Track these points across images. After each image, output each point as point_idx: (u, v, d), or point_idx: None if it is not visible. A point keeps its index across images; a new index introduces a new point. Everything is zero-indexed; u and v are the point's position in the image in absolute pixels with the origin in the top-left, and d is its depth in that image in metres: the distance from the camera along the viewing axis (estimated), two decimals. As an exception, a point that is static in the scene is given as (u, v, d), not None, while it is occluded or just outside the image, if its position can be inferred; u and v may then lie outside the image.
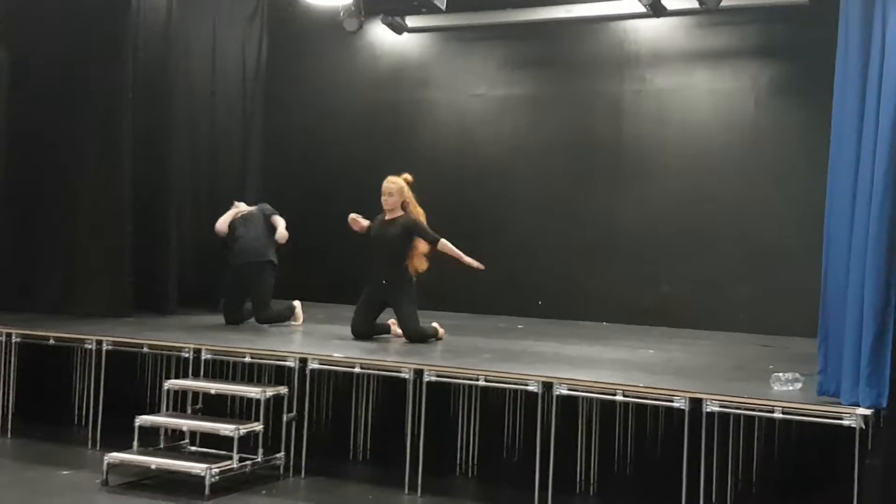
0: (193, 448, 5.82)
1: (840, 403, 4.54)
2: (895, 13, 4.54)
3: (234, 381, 6.31)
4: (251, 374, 6.34)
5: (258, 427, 5.57)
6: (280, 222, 7.44)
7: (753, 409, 4.73)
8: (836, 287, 4.64)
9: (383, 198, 6.58)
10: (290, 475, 5.63)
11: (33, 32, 7.57)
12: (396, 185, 6.57)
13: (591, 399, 5.42)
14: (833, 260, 4.67)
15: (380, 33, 9.80)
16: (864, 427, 4.41)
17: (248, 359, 5.89)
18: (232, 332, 6.77)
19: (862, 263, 4.52)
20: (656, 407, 5.50)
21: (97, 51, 7.55)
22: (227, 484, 5.28)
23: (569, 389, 5.06)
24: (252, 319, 7.35)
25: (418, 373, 5.37)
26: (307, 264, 9.21)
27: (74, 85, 7.57)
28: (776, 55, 8.50)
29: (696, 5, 7.98)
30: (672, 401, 4.80)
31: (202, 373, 5.97)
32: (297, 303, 7.65)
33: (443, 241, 6.49)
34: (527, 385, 5.16)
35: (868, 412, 4.43)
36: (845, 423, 4.44)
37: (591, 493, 5.61)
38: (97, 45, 7.55)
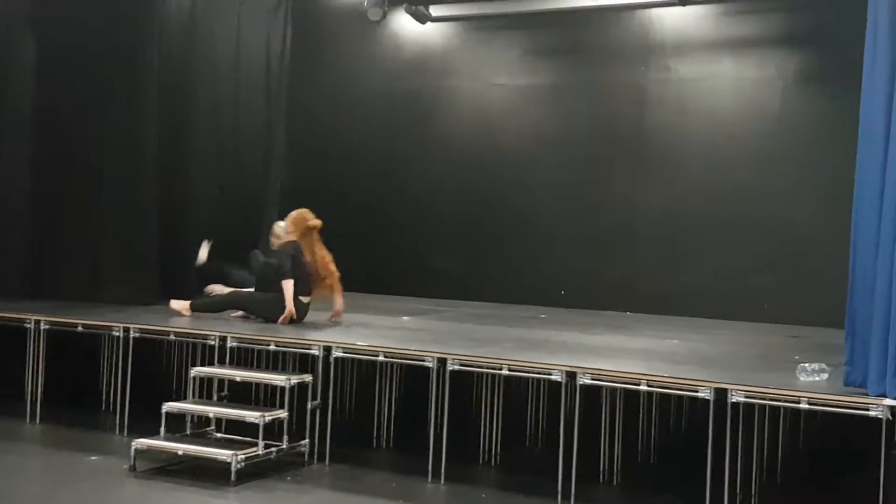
0: (219, 434, 5.88)
1: (867, 394, 4.50)
2: (925, 0, 4.49)
3: (259, 368, 6.36)
4: (276, 361, 6.39)
5: (283, 414, 5.61)
6: None
7: (779, 400, 4.71)
8: (863, 277, 4.60)
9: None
10: (315, 462, 5.68)
11: (59, 24, 7.62)
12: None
13: (615, 389, 5.42)
14: (861, 250, 4.63)
15: (403, 23, 9.80)
16: (890, 418, 4.38)
17: (272, 347, 5.93)
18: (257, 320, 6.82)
19: (890, 253, 4.47)
20: (680, 397, 5.48)
21: (122, 44, 7.59)
22: (253, 470, 5.33)
23: (592, 379, 5.05)
24: None
25: (442, 361, 5.38)
26: (331, 252, 9.23)
27: (100, 77, 7.61)
28: (802, 43, 8.42)
29: (721, -7, 7.93)
30: (697, 391, 4.79)
31: (228, 360, 6.02)
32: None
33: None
34: (550, 374, 5.17)
35: (895, 403, 4.40)
36: (872, 413, 4.41)
37: (615, 482, 5.61)
38: (122, 37, 7.59)
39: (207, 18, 8.25)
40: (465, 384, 6.02)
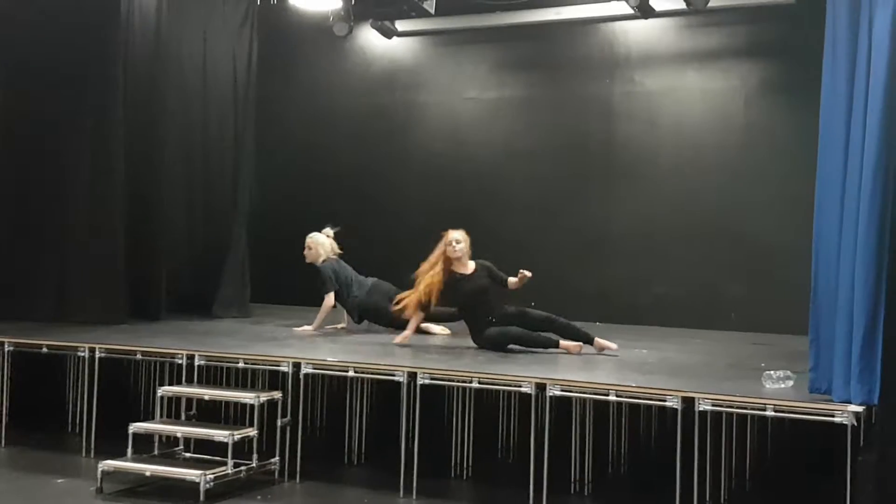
0: (188, 454, 5.82)
1: (832, 400, 4.56)
2: (882, 12, 4.57)
3: (228, 386, 6.30)
4: (245, 379, 6.34)
5: (252, 432, 5.57)
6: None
7: (745, 408, 4.76)
8: (826, 284, 4.67)
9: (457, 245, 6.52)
10: (286, 480, 5.63)
11: (22, 40, 7.55)
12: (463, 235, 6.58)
13: (585, 399, 5.44)
14: (823, 258, 4.70)
15: (370, 38, 9.82)
16: (855, 424, 4.43)
17: (241, 364, 5.89)
18: (225, 338, 6.77)
19: (851, 261, 4.54)
20: (649, 406, 5.51)
21: (87, 60, 7.53)
22: (223, 490, 5.27)
23: (562, 390, 5.08)
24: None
25: (412, 375, 5.38)
26: (300, 268, 9.21)
27: (65, 95, 7.55)
28: (765, 55, 8.54)
29: (683, 6, 8.03)
30: (665, 400, 4.82)
31: (196, 379, 5.97)
32: None
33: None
34: (520, 386, 5.18)
35: (860, 409, 4.45)
36: (837, 420, 4.46)
37: (586, 493, 5.61)
38: (87, 54, 7.52)
39: (173, 35, 8.20)
40: (437, 398, 6.01)
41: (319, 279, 7.36)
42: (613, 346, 6.28)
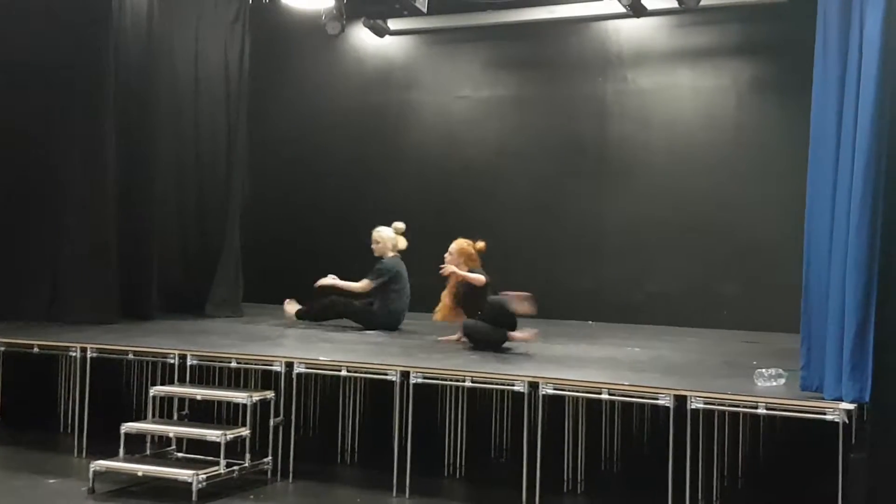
0: (180, 454, 5.81)
1: (823, 398, 4.57)
2: (872, 11, 4.59)
3: (220, 386, 6.29)
4: (237, 379, 6.33)
5: (245, 432, 5.55)
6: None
7: (737, 406, 4.77)
8: (817, 283, 4.68)
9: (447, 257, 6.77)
10: (278, 480, 5.62)
11: (12, 37, 7.51)
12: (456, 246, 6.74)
13: (577, 398, 5.44)
14: (814, 256, 4.71)
15: (363, 36, 9.81)
16: (847, 422, 4.45)
17: (234, 364, 5.88)
18: (218, 338, 6.76)
19: (843, 259, 4.56)
20: (642, 405, 5.52)
21: (79, 59, 7.50)
22: (215, 490, 5.26)
23: (555, 389, 5.08)
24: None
25: (405, 375, 5.38)
26: (295, 266, 9.21)
27: (57, 93, 7.52)
28: (756, 53, 8.56)
29: (675, 5, 8.04)
30: (657, 398, 4.83)
31: (188, 378, 5.96)
32: None
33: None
34: (513, 385, 5.18)
35: (851, 407, 4.47)
36: (828, 417, 4.48)
37: (579, 491, 5.63)
38: (79, 53, 7.50)
39: (165, 33, 8.18)
40: (430, 397, 6.01)
41: (375, 267, 7.43)
42: (529, 335, 6.26)
